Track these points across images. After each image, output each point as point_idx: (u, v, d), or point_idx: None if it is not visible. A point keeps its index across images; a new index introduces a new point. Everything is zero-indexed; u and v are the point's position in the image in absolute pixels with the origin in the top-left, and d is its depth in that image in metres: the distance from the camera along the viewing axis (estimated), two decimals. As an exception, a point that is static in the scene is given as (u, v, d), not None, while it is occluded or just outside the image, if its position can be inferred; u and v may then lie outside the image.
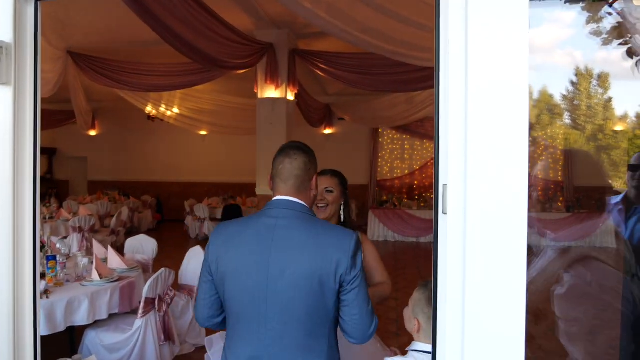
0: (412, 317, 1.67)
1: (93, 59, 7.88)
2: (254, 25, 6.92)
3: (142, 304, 3.33)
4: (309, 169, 1.57)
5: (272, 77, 6.90)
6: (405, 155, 12.81)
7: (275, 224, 1.48)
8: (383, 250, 9.42)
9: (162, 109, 10.68)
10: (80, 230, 7.17)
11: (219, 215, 10.45)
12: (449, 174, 1.09)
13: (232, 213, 10.29)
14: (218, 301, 1.56)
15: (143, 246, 4.95)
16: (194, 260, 4.33)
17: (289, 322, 1.43)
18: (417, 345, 1.64)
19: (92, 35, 7.39)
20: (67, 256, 4.46)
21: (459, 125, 1.06)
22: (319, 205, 2.13)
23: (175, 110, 10.85)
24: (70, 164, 14.80)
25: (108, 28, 7.20)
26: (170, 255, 8.15)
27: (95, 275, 3.52)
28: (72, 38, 7.30)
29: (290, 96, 7.38)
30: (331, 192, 2.14)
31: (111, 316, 3.52)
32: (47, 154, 14.89)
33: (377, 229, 10.55)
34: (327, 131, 12.67)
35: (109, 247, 4.10)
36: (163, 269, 3.50)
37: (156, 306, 3.41)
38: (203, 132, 13.03)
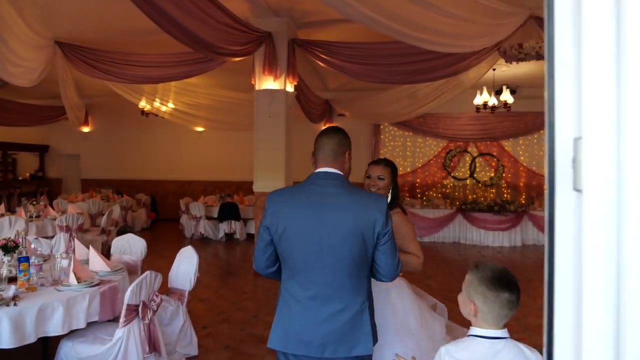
0: (468, 300, 1.66)
1: (82, 50, 7.49)
2: (251, 12, 6.54)
3: (123, 312, 2.95)
4: (343, 144, 1.94)
5: (271, 67, 6.50)
6: (408, 153, 12.46)
7: (323, 191, 1.84)
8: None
9: (157, 103, 10.29)
10: (68, 229, 6.76)
11: (215, 214, 10.09)
12: (584, 119, 0.56)
13: (228, 211, 9.94)
14: (274, 255, 1.92)
15: (131, 246, 4.57)
16: (185, 262, 3.95)
17: (340, 268, 1.80)
18: (476, 330, 1.62)
19: (82, 24, 7.00)
20: (48, 257, 4.07)
21: (605, 16, 0.53)
22: (371, 189, 2.39)
23: (170, 105, 10.46)
24: (62, 162, 14.37)
25: (99, 16, 6.81)
26: (163, 255, 7.79)
27: (72, 279, 3.14)
28: (60, 27, 6.90)
29: (290, 88, 6.99)
30: (382, 179, 2.42)
31: (90, 325, 3.14)
32: (39, 151, 14.48)
33: (379, 228, 10.19)
34: (327, 128, 12.31)
35: (90, 248, 3.71)
36: (148, 271, 3.12)
37: (140, 314, 3.04)
38: (199, 129, 12.66)
